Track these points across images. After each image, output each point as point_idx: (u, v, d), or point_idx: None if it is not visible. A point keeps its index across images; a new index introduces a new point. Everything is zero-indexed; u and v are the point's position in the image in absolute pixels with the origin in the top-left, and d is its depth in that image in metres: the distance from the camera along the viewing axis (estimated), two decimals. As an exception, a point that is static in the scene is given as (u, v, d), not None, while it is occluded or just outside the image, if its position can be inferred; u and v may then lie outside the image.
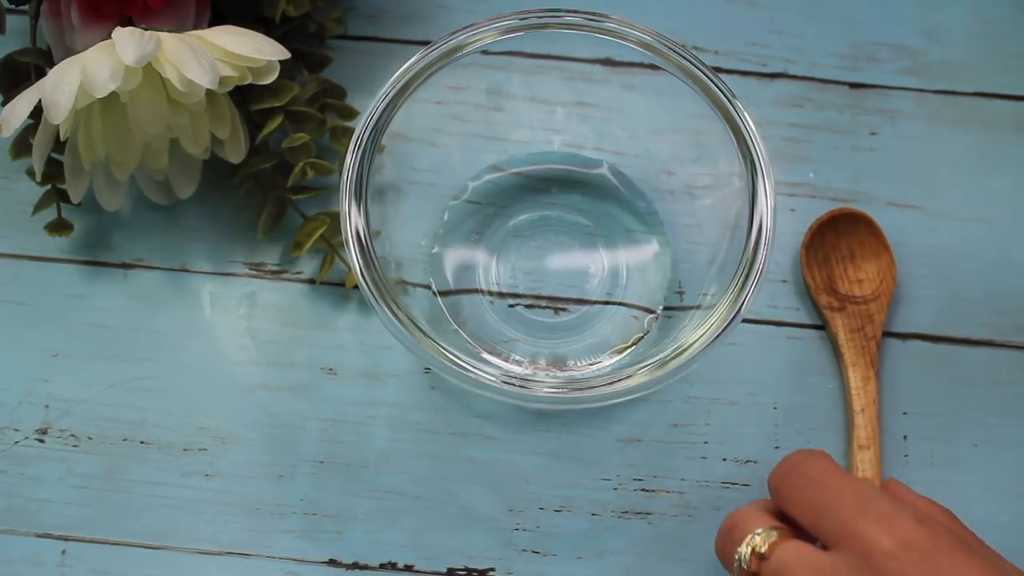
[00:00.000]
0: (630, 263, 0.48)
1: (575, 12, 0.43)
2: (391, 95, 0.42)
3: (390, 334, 0.40)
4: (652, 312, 0.47)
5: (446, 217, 0.48)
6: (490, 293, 0.48)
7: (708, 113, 0.42)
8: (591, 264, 0.48)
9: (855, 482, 0.35)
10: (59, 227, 0.48)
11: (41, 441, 0.46)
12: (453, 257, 0.48)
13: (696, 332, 0.40)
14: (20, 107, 0.41)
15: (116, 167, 0.46)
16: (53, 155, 0.45)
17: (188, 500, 0.45)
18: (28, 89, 0.42)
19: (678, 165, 0.47)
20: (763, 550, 0.35)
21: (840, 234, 0.48)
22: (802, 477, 0.36)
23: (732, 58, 0.52)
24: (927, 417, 0.47)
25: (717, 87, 0.42)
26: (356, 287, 0.48)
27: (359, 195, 0.41)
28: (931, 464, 0.46)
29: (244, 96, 0.46)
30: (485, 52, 0.43)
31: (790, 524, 0.36)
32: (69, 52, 0.46)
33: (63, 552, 0.45)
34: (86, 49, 0.41)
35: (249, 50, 0.42)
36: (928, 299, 0.48)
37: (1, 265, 0.49)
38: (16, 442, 0.46)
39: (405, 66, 0.42)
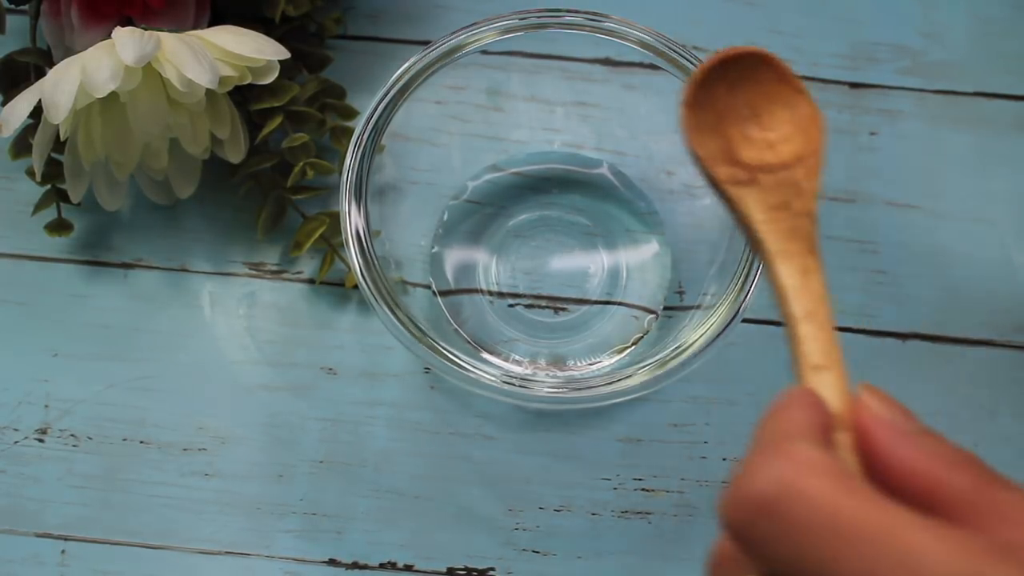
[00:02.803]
0: (630, 263, 0.48)
1: (575, 12, 0.43)
2: (391, 95, 0.42)
3: (390, 334, 0.40)
4: (652, 312, 0.47)
5: (446, 217, 0.48)
6: (490, 293, 0.48)
7: (708, 113, 0.42)
8: (591, 264, 0.48)
9: (887, 526, 0.22)
10: (59, 227, 0.48)
11: (41, 441, 0.46)
12: (453, 257, 0.48)
13: (696, 332, 0.40)
14: (20, 107, 0.41)
15: (116, 167, 0.46)
16: (53, 155, 0.45)
17: (188, 500, 0.45)
18: (28, 89, 0.42)
19: (678, 165, 0.47)
20: None
21: (733, 87, 0.34)
22: (787, 525, 0.22)
23: (732, 58, 0.52)
24: (927, 417, 0.46)
25: (717, 87, 0.42)
26: (356, 287, 0.48)
27: (359, 195, 0.41)
28: (931, 464, 0.46)
29: (244, 96, 0.46)
30: (485, 52, 0.43)
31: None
32: (69, 52, 0.46)
33: (63, 552, 0.45)
34: (86, 49, 0.41)
35: (249, 50, 0.42)
36: (928, 299, 0.48)
37: (1, 265, 0.49)
38: (16, 442, 0.46)
39: (405, 66, 0.42)
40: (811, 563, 0.22)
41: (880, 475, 0.25)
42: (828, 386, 0.28)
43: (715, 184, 0.33)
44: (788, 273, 0.31)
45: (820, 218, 0.50)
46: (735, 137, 0.34)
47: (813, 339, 0.30)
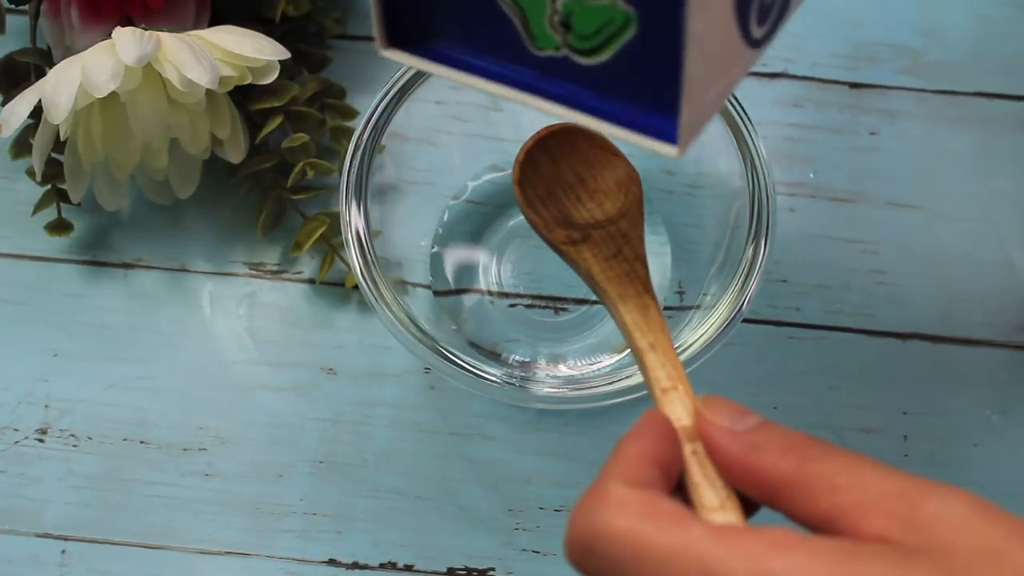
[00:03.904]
0: (630, 263, 0.48)
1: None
2: (391, 95, 0.42)
3: (390, 334, 0.40)
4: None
5: (446, 217, 0.48)
6: (490, 293, 0.48)
7: (708, 113, 0.42)
8: (591, 264, 0.48)
9: (682, 544, 0.25)
10: (59, 227, 0.48)
11: (41, 441, 0.46)
12: (453, 257, 0.48)
13: (696, 332, 0.40)
14: (20, 107, 0.41)
15: (116, 167, 0.46)
16: (53, 155, 0.45)
17: (188, 500, 0.45)
18: (28, 89, 0.42)
19: (678, 165, 0.47)
20: None
21: (557, 160, 0.39)
22: (604, 560, 0.26)
23: (732, 58, 0.52)
24: (927, 417, 0.47)
25: (717, 87, 0.42)
26: (356, 287, 0.48)
27: (359, 195, 0.41)
28: (931, 464, 0.46)
29: (244, 96, 0.46)
30: (485, 52, 0.43)
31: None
32: (69, 52, 0.46)
33: (63, 552, 0.45)
34: (86, 49, 0.41)
35: (249, 50, 0.42)
36: (928, 299, 0.48)
37: (1, 265, 0.49)
38: (16, 442, 0.46)
39: (405, 66, 0.42)
40: None
41: (726, 473, 0.28)
42: (676, 403, 0.31)
43: (554, 246, 0.38)
44: (630, 313, 0.35)
45: (821, 218, 0.51)
46: (566, 202, 0.38)
47: (660, 366, 0.33)
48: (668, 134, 0.27)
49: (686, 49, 0.25)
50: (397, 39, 0.30)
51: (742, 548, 0.24)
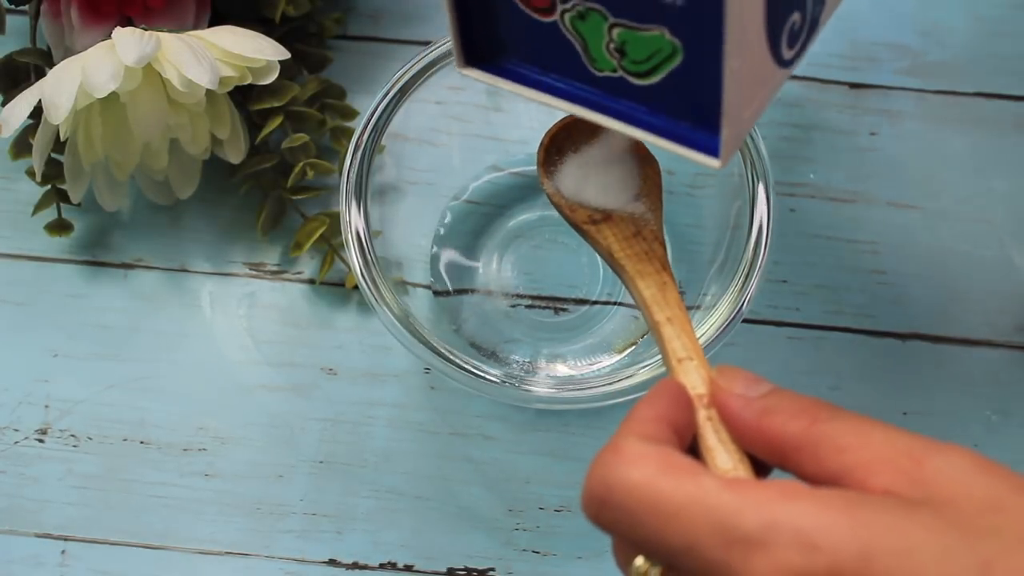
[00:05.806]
0: (630, 263, 0.48)
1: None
2: (391, 95, 0.42)
3: (390, 334, 0.40)
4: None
5: (446, 217, 0.48)
6: (490, 293, 0.48)
7: (708, 113, 0.42)
8: (591, 264, 0.48)
9: (695, 495, 0.26)
10: (59, 227, 0.48)
11: (41, 441, 0.46)
12: (453, 257, 0.48)
13: (696, 332, 0.40)
14: (20, 107, 0.41)
15: (116, 167, 0.46)
16: (53, 155, 0.45)
17: (188, 500, 0.45)
18: (28, 89, 0.42)
19: (678, 165, 0.47)
20: None
21: (579, 147, 0.40)
22: (619, 512, 0.27)
23: (732, 58, 0.52)
24: (927, 417, 0.47)
25: (717, 87, 0.42)
26: (356, 287, 0.48)
27: (359, 195, 0.41)
28: (931, 464, 0.46)
29: (244, 96, 0.46)
30: (485, 52, 0.43)
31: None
32: (69, 52, 0.46)
33: (63, 552, 0.45)
34: (86, 49, 0.41)
35: (249, 50, 0.42)
36: (928, 299, 0.48)
37: (1, 265, 0.49)
38: (16, 442, 0.46)
39: (405, 66, 0.42)
40: (646, 538, 0.26)
41: (739, 437, 0.29)
42: (692, 372, 0.32)
43: (576, 226, 0.39)
44: (648, 288, 0.36)
45: (821, 218, 0.51)
46: None
47: (676, 338, 0.34)
48: (711, 148, 0.30)
49: (724, 80, 0.28)
50: (472, 59, 0.33)
51: (751, 497, 0.25)
